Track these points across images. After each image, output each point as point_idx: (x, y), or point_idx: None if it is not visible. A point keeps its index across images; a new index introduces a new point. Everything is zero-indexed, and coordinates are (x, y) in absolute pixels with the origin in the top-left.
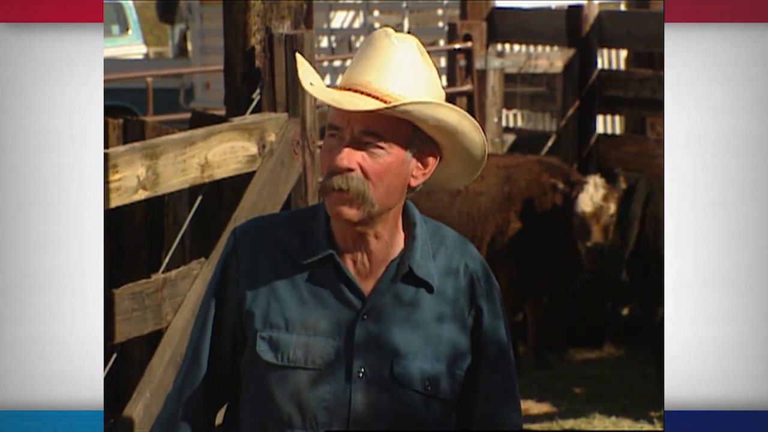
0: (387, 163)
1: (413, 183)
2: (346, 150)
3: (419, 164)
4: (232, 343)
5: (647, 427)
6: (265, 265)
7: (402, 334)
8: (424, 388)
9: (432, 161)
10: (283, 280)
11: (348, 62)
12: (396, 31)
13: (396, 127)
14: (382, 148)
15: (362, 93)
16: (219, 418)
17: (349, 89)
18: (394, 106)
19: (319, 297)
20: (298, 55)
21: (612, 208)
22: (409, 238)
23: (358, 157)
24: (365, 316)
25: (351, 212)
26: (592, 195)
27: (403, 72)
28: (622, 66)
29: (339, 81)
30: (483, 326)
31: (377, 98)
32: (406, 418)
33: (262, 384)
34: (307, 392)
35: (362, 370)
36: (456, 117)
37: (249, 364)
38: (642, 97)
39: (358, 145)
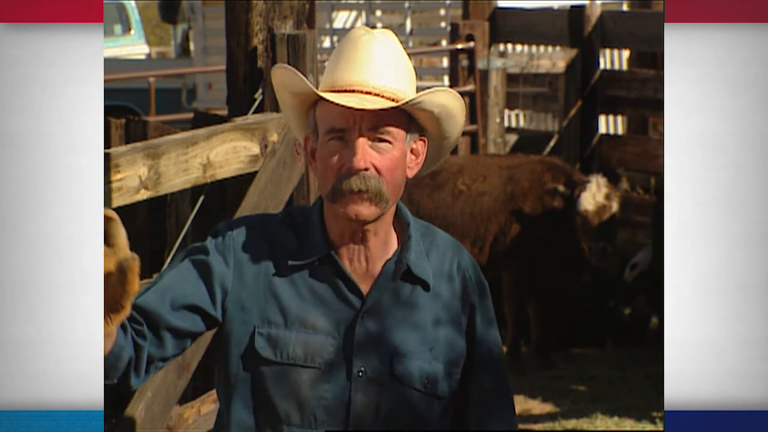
0: (395, 158)
1: (409, 174)
2: (361, 150)
3: (412, 155)
4: (193, 310)
5: (649, 427)
6: (261, 261)
7: (401, 332)
8: (424, 387)
9: (422, 149)
10: (280, 278)
11: None
12: (389, 31)
13: (398, 120)
14: (390, 143)
15: (363, 92)
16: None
17: (346, 90)
18: (412, 101)
19: (318, 295)
20: (286, 66)
21: (614, 207)
22: (404, 237)
23: (369, 155)
24: (364, 315)
25: (368, 211)
26: (594, 194)
27: (392, 66)
28: (625, 66)
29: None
30: (476, 328)
31: (378, 95)
32: (406, 416)
33: (258, 381)
34: (307, 390)
35: (362, 369)
36: (453, 100)
37: (243, 362)
38: (644, 97)
39: (368, 143)
